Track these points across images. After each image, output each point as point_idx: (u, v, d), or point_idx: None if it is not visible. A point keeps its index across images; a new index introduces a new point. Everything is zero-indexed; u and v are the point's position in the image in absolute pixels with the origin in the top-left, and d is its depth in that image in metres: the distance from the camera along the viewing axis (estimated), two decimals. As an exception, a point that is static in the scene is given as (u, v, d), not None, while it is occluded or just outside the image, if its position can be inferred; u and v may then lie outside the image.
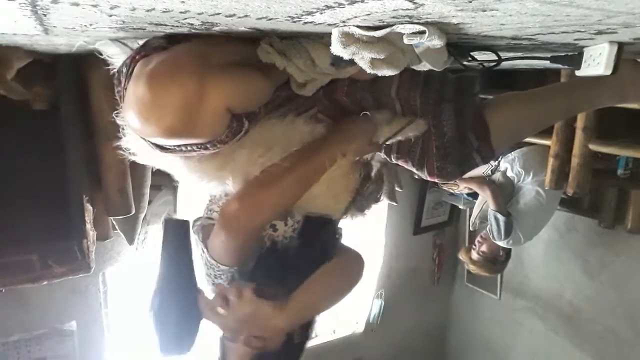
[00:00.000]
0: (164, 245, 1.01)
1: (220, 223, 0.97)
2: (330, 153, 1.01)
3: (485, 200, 2.68)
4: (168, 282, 1.01)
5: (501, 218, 2.51)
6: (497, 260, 2.74)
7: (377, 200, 1.18)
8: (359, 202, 1.12)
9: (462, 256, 2.85)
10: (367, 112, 1.12)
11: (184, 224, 1.05)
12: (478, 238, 2.77)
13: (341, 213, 1.11)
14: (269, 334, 1.00)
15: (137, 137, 0.88)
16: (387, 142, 1.14)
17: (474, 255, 2.76)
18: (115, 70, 0.91)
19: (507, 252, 2.76)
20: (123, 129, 0.95)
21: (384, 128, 1.11)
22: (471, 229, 2.94)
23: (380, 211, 3.39)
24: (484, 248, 2.72)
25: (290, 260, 1.06)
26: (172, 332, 1.00)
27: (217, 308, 0.98)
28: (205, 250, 1.05)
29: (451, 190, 3.18)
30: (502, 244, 2.63)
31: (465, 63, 0.95)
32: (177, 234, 1.03)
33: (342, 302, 1.12)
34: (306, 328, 1.09)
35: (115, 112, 0.93)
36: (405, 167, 1.23)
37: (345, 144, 1.03)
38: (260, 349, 1.01)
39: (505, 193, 2.62)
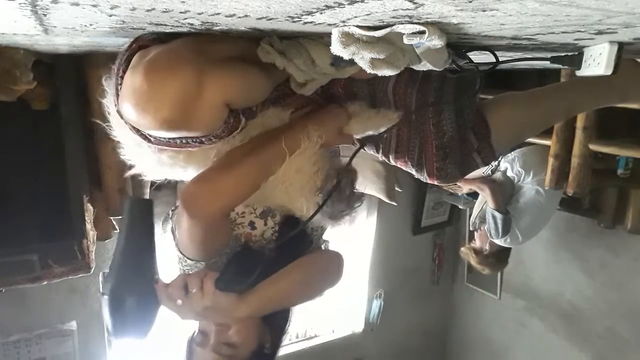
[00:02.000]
0: (126, 224, 0.95)
1: (180, 208, 0.94)
2: (293, 136, 0.97)
3: (485, 199, 2.68)
4: (126, 263, 0.94)
5: (498, 216, 2.51)
6: (490, 258, 2.73)
7: (343, 215, 1.08)
8: (327, 208, 1.05)
9: (463, 252, 2.85)
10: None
11: (148, 202, 1.00)
12: (475, 234, 2.78)
13: (308, 212, 1.05)
14: (229, 322, 0.99)
15: (127, 131, 0.87)
16: (362, 135, 1.08)
17: (473, 251, 2.76)
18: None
19: (505, 250, 2.74)
20: (109, 117, 0.93)
21: (358, 119, 1.06)
22: (471, 228, 2.94)
23: (380, 211, 3.39)
24: (481, 244, 2.72)
25: (264, 261, 1.04)
26: (127, 316, 0.93)
27: (176, 299, 0.95)
28: (175, 243, 1.04)
29: (451, 190, 3.18)
30: (499, 242, 2.62)
31: (461, 65, 0.94)
32: (140, 212, 0.96)
33: (320, 298, 1.10)
34: (277, 338, 1.08)
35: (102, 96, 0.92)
36: (404, 168, 1.20)
37: (310, 128, 0.99)
38: (230, 358, 0.99)
39: (505, 192, 2.62)
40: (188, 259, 1.02)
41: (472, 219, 2.86)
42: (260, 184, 0.95)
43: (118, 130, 0.93)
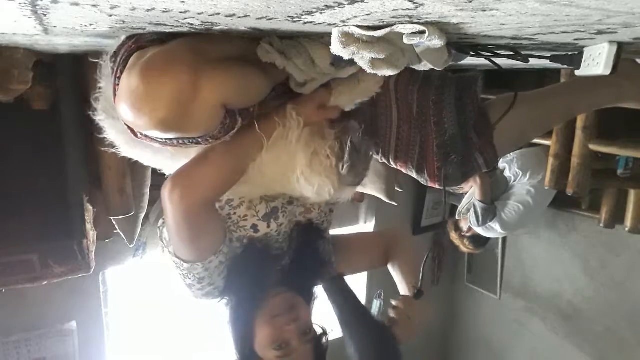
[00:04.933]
0: (338, 302, 1.13)
1: (163, 204, 0.94)
2: (266, 120, 0.93)
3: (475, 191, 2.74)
4: (357, 327, 1.11)
5: (480, 205, 2.60)
6: (465, 239, 2.88)
7: (365, 172, 1.02)
8: (349, 177, 0.99)
9: (448, 222, 3.00)
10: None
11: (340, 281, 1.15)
12: (460, 217, 2.91)
13: (334, 191, 1.01)
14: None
15: (122, 129, 0.87)
16: (350, 106, 1.03)
17: (455, 226, 2.93)
18: (107, 56, 0.89)
19: (483, 238, 2.87)
20: (98, 117, 0.94)
21: (341, 89, 0.99)
22: (457, 217, 2.98)
23: (380, 211, 3.39)
24: (462, 225, 2.88)
25: (273, 258, 1.07)
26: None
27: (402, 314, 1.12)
28: (169, 250, 1.02)
29: (452, 190, 3.19)
30: (478, 230, 2.74)
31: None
32: (338, 290, 1.14)
33: None
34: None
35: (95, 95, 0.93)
36: (404, 170, 1.19)
37: (288, 108, 0.94)
38: (313, 336, 1.10)
39: (497, 189, 2.71)
40: (183, 261, 1.00)
41: (459, 207, 2.91)
42: (239, 171, 0.93)
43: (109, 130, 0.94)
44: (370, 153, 1.03)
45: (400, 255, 1.31)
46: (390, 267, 1.32)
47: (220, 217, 1.04)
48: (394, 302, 1.17)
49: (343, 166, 0.96)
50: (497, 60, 0.92)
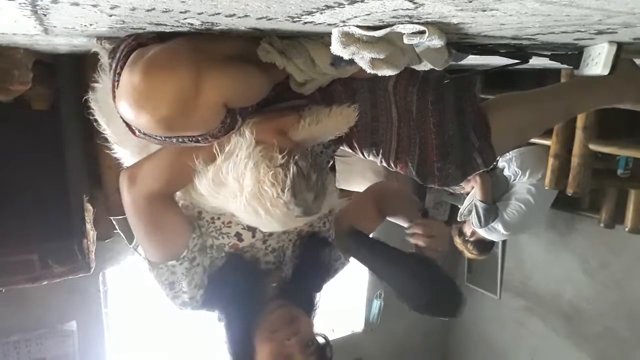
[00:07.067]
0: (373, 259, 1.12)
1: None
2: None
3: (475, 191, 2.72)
4: (399, 274, 1.09)
5: (481, 205, 2.56)
6: (470, 244, 2.82)
7: (318, 203, 0.91)
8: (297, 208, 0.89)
9: (452, 228, 2.94)
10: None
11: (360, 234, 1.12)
12: (462, 219, 2.87)
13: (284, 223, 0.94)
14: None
15: (124, 130, 0.87)
16: (314, 142, 0.98)
17: (458, 232, 2.86)
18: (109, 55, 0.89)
19: (487, 243, 2.81)
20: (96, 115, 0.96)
21: (305, 123, 0.93)
22: (459, 219, 2.96)
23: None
24: (466, 229, 2.82)
25: (262, 273, 1.05)
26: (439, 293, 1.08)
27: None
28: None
29: (452, 190, 3.19)
30: (481, 232, 2.69)
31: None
32: (364, 242, 1.12)
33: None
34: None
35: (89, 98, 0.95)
36: (404, 172, 1.17)
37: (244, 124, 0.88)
38: (317, 347, 1.07)
39: (498, 188, 2.68)
40: (148, 262, 1.00)
41: (461, 209, 2.89)
42: (186, 174, 0.92)
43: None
44: (325, 179, 0.94)
45: (392, 200, 1.34)
46: (390, 218, 1.34)
47: (181, 217, 0.99)
48: (409, 231, 1.20)
49: (284, 194, 0.85)
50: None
